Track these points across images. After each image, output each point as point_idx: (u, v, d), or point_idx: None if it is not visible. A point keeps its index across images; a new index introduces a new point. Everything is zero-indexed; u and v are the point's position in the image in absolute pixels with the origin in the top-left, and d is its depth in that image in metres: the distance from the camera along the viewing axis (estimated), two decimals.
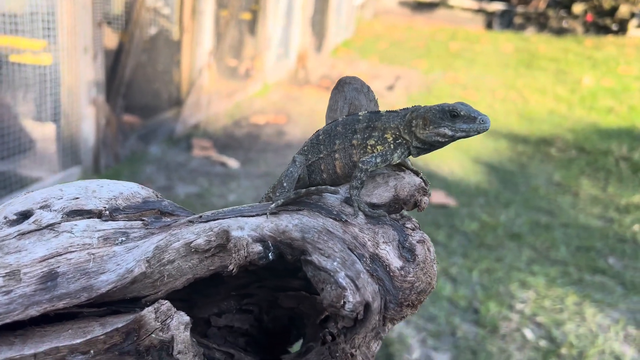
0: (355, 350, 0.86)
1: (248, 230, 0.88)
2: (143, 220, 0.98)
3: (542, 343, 3.16)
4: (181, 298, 1.02)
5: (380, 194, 0.99)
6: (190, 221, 0.94)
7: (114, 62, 4.92)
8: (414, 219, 0.97)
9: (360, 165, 0.99)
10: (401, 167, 1.10)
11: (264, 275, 1.05)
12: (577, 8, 16.22)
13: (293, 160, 1.08)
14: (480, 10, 18.27)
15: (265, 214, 0.94)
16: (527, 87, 10.12)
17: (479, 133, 1.03)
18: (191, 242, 0.89)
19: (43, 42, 4.44)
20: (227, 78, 7.60)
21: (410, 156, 1.07)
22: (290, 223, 0.88)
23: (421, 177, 1.05)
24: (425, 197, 1.00)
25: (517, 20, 17.40)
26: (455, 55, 13.11)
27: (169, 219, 0.99)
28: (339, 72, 10.24)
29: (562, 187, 5.70)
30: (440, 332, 3.17)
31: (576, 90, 10.02)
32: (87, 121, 4.48)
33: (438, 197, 5.06)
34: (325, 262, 0.83)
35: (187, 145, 5.87)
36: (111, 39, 5.24)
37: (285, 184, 1.02)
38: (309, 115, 7.41)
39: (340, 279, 0.83)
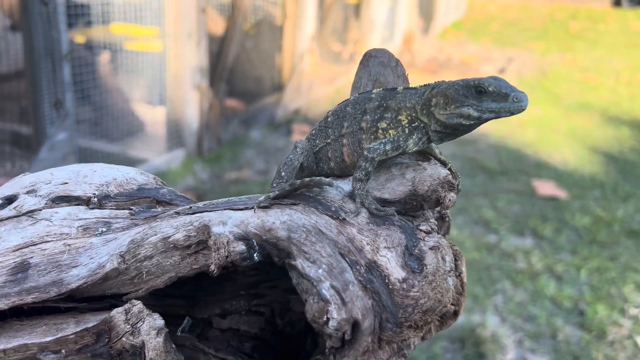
0: None
1: (231, 226, 0.76)
2: (130, 209, 0.90)
3: None
4: (184, 295, 0.94)
5: (394, 188, 0.82)
6: (176, 212, 0.85)
7: (218, 48, 5.05)
8: (432, 221, 0.80)
9: (365, 153, 0.83)
10: (427, 155, 0.92)
11: (276, 274, 0.93)
12: None
13: (294, 147, 0.94)
14: None
15: (258, 206, 0.81)
16: None
17: (512, 114, 0.83)
18: (169, 237, 0.79)
19: (156, 29, 4.64)
20: (330, 62, 7.58)
21: (436, 143, 0.88)
22: (278, 220, 0.75)
23: (449, 169, 0.87)
24: (452, 194, 0.82)
25: None
26: (576, 35, 12.17)
27: (159, 209, 0.91)
28: (447, 54, 9.87)
29: None
30: (539, 333, 2.94)
31: None
32: (191, 106, 4.64)
33: (547, 188, 4.71)
34: (310, 268, 0.70)
35: (287, 130, 5.93)
36: (217, 25, 5.38)
37: (283, 174, 0.87)
38: None
39: (323, 291, 0.70)
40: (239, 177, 4.67)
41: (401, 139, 0.83)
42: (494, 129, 6.22)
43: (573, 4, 16.27)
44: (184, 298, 0.93)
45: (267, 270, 0.91)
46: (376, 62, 0.89)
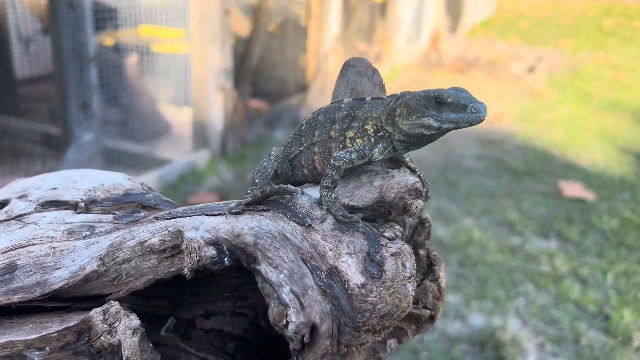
0: None
1: (202, 231, 0.79)
2: (115, 214, 0.94)
3: None
4: (169, 296, 0.97)
5: (362, 195, 0.84)
6: (156, 217, 0.88)
7: (243, 49, 5.10)
8: (397, 227, 0.80)
9: (332, 161, 0.84)
10: (398, 163, 0.93)
11: None
12: None
13: (268, 155, 0.96)
14: None
15: (229, 212, 0.84)
16: None
17: (471, 124, 0.84)
18: (145, 241, 0.82)
19: (182, 31, 4.72)
20: None
21: (402, 152, 0.88)
22: (247, 225, 0.77)
23: (419, 176, 0.88)
24: (419, 201, 0.83)
25: None
26: (609, 33, 11.90)
27: (142, 214, 0.94)
28: (475, 53, 9.76)
29: None
30: (561, 337, 2.90)
31: None
32: (215, 107, 4.70)
33: (574, 189, 4.63)
34: (272, 273, 0.72)
35: None
36: (242, 26, 5.43)
37: (257, 180, 0.90)
38: None
39: (283, 295, 0.72)
40: None
41: (367, 147, 0.84)
42: (521, 130, 6.14)
43: (607, 0, 15.91)
44: (170, 299, 0.97)
45: (251, 273, 0.94)
46: (354, 71, 0.90)
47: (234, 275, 0.99)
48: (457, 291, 3.23)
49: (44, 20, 4.58)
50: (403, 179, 0.82)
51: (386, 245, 0.76)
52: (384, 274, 0.73)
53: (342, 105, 0.94)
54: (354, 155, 0.84)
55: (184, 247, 0.77)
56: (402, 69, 8.34)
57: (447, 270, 3.43)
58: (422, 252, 0.92)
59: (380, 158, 0.86)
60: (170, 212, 0.87)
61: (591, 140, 5.85)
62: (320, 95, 6.38)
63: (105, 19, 4.35)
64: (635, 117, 6.65)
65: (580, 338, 2.89)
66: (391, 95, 0.92)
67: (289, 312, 0.72)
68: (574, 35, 11.74)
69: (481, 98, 0.85)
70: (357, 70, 0.91)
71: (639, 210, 4.31)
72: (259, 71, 5.48)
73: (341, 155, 0.83)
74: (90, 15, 3.51)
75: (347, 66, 0.91)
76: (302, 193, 0.86)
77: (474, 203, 4.32)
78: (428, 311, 0.88)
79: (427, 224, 0.94)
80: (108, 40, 4.78)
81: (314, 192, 0.86)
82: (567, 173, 4.98)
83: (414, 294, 0.75)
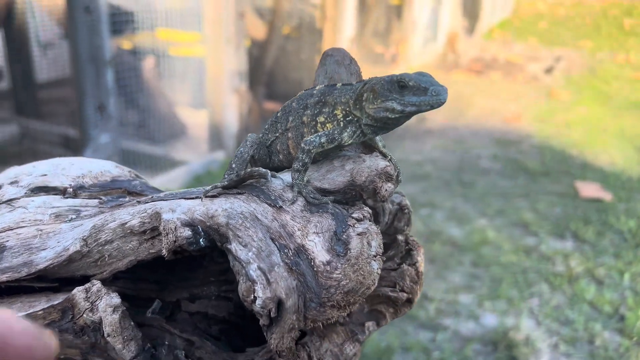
0: (283, 351, 0.77)
1: (179, 213, 0.82)
2: (100, 199, 0.97)
3: None
4: (157, 280, 1.00)
5: (334, 178, 0.86)
6: (138, 201, 0.91)
7: (257, 52, 5.14)
8: (365, 209, 0.83)
9: (302, 145, 0.87)
10: (371, 148, 0.95)
11: None
12: None
13: (245, 140, 0.99)
14: None
15: (205, 195, 0.87)
16: None
17: (432, 107, 0.87)
18: (126, 223, 0.85)
19: (198, 35, 4.78)
20: (371, 64, 7.58)
21: (370, 136, 0.91)
22: (221, 207, 0.80)
23: (390, 161, 0.89)
24: (389, 184, 0.85)
25: None
26: (630, 32, 11.75)
27: (127, 199, 0.97)
28: (492, 54, 9.70)
29: None
30: (576, 338, 2.87)
31: None
32: (230, 109, 4.74)
33: (590, 190, 4.58)
34: (241, 251, 0.75)
35: None
36: (256, 29, 5.48)
37: (234, 165, 0.92)
38: (454, 100, 7.13)
39: (251, 271, 0.75)
40: None
41: (336, 132, 0.87)
42: (538, 130, 6.09)
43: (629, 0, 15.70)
44: (157, 283, 1.00)
45: None
46: (332, 60, 0.92)
47: (219, 260, 1.02)
48: (470, 291, 3.22)
49: (62, 25, 4.68)
50: (374, 163, 0.84)
51: (353, 226, 0.78)
52: (349, 252, 0.76)
53: (314, 92, 0.97)
54: (323, 139, 0.87)
55: (161, 228, 0.81)
56: (418, 70, 8.32)
57: (460, 271, 3.42)
58: (400, 237, 0.94)
59: (350, 142, 0.88)
60: (152, 197, 0.90)
61: (609, 141, 5.79)
62: None
63: (122, 22, 4.43)
64: None
65: (594, 339, 2.86)
66: (360, 81, 0.94)
67: (256, 288, 0.74)
68: (594, 35, 11.61)
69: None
70: (334, 60, 0.94)
71: None
72: (274, 73, 5.53)
73: (311, 139, 0.87)
74: (107, 19, 3.57)
75: (325, 56, 0.94)
76: (275, 176, 0.89)
77: (488, 203, 4.29)
78: (405, 294, 0.90)
79: (406, 211, 0.96)
80: (125, 43, 4.86)
81: (287, 176, 0.89)
82: (585, 173, 4.93)
83: (379, 272, 0.77)
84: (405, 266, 0.90)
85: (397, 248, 0.94)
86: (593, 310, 3.10)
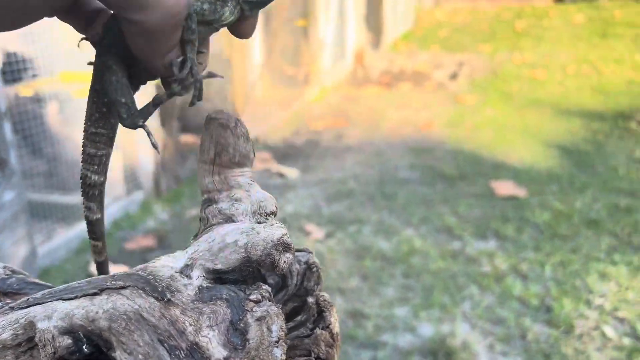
0: None
1: (55, 320, 0.73)
2: None
3: (626, 341, 2.89)
4: None
5: (227, 256, 0.80)
6: (10, 308, 0.83)
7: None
8: (264, 287, 0.78)
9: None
10: (184, 50, 0.94)
11: None
12: None
13: (107, 66, 0.88)
14: None
15: (87, 294, 0.79)
16: (602, 58, 9.45)
17: None
18: None
19: None
20: (284, 87, 7.62)
21: (248, 13, 0.91)
22: (102, 309, 0.73)
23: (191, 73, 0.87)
24: (287, 255, 0.78)
25: None
26: (522, 34, 12.50)
27: (0, 304, 0.89)
28: (399, 66, 10.01)
29: None
30: (509, 335, 2.97)
31: None
32: (144, 148, 4.60)
33: (506, 188, 4.79)
34: None
35: None
36: None
37: (123, 100, 0.84)
38: (368, 114, 7.28)
39: None
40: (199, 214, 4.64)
41: (218, 4, 0.86)
42: (450, 135, 6.31)
43: (518, 3, 16.72)
44: None
45: None
46: (216, 124, 0.88)
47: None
48: (404, 303, 3.26)
49: None
50: (269, 234, 0.79)
51: (251, 310, 0.72)
52: (247, 343, 0.70)
53: None
54: (205, 6, 0.84)
55: (37, 339, 0.72)
56: (331, 89, 8.45)
57: (392, 284, 3.46)
58: (310, 299, 0.90)
59: (230, 19, 0.85)
60: (27, 299, 0.81)
61: (517, 139, 6.09)
62: (254, 123, 6.37)
63: (19, 70, 4.23)
64: (554, 111, 6.98)
65: (526, 333, 2.97)
66: None
67: None
68: (491, 39, 12.26)
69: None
70: (219, 123, 0.89)
71: (567, 201, 4.50)
72: (185, 106, 5.43)
73: (195, 2, 0.84)
74: None
75: (209, 120, 0.89)
76: (168, 254, 0.82)
77: (412, 212, 4.39)
78: None
79: (314, 269, 0.92)
80: (25, 91, 4.62)
81: (177, 261, 0.82)
82: (498, 173, 5.15)
83: (283, 357, 0.72)
84: (318, 330, 0.87)
85: (308, 312, 0.90)
86: (522, 306, 3.22)
